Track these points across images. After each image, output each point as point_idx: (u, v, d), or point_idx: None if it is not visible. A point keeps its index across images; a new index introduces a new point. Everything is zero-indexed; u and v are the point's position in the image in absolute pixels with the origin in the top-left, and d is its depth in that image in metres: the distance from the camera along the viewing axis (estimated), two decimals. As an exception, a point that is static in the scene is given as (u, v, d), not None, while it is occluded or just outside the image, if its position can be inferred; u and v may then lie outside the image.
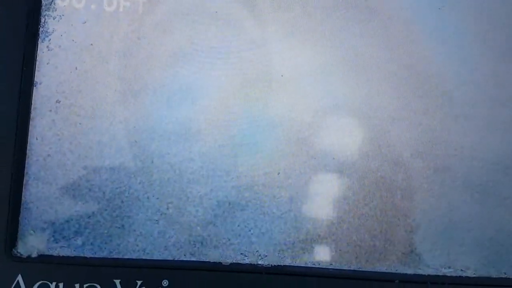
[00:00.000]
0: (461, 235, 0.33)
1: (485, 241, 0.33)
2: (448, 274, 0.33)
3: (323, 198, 0.32)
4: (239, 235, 0.32)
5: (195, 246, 0.31)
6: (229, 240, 0.31)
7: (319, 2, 0.32)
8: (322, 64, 0.32)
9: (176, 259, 0.30)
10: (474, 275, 0.33)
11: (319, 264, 0.32)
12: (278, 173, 0.32)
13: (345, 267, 0.32)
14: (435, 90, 0.33)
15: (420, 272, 0.33)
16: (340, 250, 0.32)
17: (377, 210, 0.33)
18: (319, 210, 0.32)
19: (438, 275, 0.33)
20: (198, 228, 0.31)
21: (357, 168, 0.32)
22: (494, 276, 0.33)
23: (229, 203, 0.31)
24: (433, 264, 0.33)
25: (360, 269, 0.32)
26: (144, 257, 0.30)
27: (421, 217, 0.33)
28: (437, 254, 0.33)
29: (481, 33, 0.33)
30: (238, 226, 0.31)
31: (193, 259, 0.31)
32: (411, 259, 0.33)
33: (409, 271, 0.33)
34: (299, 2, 0.32)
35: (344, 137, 0.32)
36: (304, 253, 0.32)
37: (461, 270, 0.33)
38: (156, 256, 0.30)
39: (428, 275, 0.33)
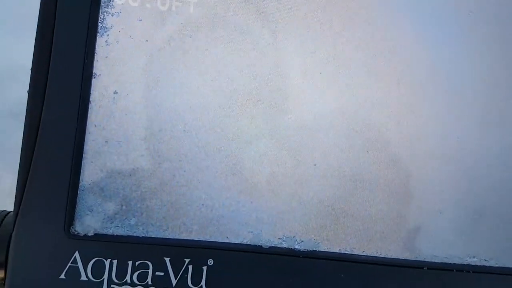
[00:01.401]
0: (486, 226, 0.35)
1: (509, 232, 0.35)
2: (473, 263, 0.35)
3: (356, 187, 0.34)
4: (277, 222, 0.34)
5: (238, 229, 0.33)
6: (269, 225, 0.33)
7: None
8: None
9: (220, 240, 0.33)
10: (497, 265, 0.35)
11: (351, 250, 0.34)
12: (315, 164, 0.34)
13: (376, 254, 0.34)
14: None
15: (447, 260, 0.35)
16: (370, 238, 0.34)
17: (404, 200, 0.35)
18: (351, 201, 0.35)
19: (463, 264, 0.35)
20: (242, 213, 0.33)
21: (392, 159, 0.34)
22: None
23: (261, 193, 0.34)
24: (459, 253, 0.35)
25: (390, 257, 0.34)
26: (191, 238, 0.32)
27: (447, 207, 0.35)
28: (462, 244, 0.35)
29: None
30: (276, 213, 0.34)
31: (236, 241, 0.33)
32: (438, 248, 0.35)
33: (436, 259, 0.35)
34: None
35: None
36: (337, 240, 0.34)
37: (485, 260, 0.35)
38: (202, 237, 0.33)
39: (454, 263, 0.35)
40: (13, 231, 0.31)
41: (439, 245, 0.35)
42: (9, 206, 0.34)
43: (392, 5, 0.35)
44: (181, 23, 0.33)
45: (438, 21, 0.35)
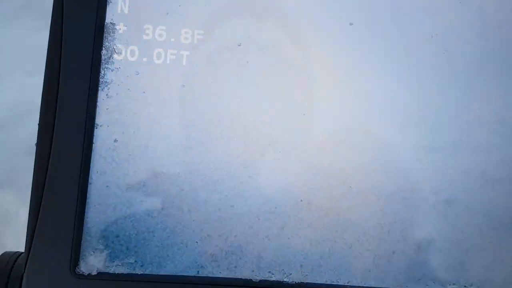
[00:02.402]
0: (465, 252, 0.37)
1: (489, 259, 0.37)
2: (452, 290, 0.37)
3: (342, 220, 0.37)
4: (267, 256, 0.36)
5: (231, 264, 0.36)
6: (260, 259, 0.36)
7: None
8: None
9: (214, 276, 0.35)
10: (477, 291, 0.37)
11: (337, 281, 0.37)
12: (301, 200, 0.37)
13: (360, 284, 0.37)
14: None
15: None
16: (355, 268, 0.37)
17: (387, 231, 0.37)
18: (337, 233, 0.37)
19: (444, 291, 0.37)
20: (235, 248, 0.36)
21: (377, 193, 0.37)
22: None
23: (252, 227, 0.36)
24: (439, 281, 0.37)
25: (373, 286, 0.37)
26: (187, 274, 0.35)
27: (426, 236, 0.37)
28: (442, 271, 0.37)
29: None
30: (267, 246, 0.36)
31: (229, 276, 0.35)
32: (419, 276, 0.37)
33: (418, 287, 0.37)
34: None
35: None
36: (324, 271, 0.37)
37: (465, 286, 0.37)
38: (198, 273, 0.35)
39: None
40: (24, 271, 0.34)
41: (421, 273, 0.37)
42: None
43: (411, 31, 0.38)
44: (175, 75, 0.36)
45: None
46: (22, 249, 0.36)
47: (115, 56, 0.36)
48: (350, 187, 0.37)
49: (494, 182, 0.38)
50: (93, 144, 0.35)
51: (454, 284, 0.37)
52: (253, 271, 0.36)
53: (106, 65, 0.36)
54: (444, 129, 0.38)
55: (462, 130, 0.38)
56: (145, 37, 0.36)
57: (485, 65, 0.38)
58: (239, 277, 0.36)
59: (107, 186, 0.35)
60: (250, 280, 0.36)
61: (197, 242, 0.36)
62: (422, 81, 0.38)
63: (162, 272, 0.35)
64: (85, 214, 0.35)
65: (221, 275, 0.36)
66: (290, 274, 0.36)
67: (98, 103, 0.35)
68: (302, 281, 0.36)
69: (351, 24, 0.38)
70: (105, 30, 0.36)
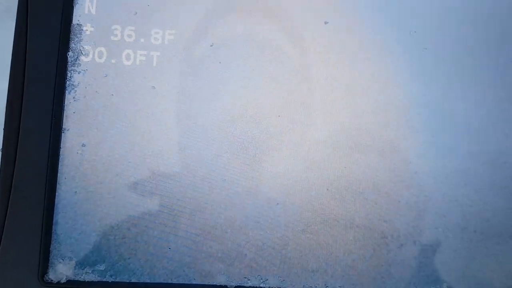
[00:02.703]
0: (449, 256, 0.36)
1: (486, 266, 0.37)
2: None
3: (321, 224, 0.36)
4: (242, 262, 0.35)
5: (204, 271, 0.35)
6: (235, 264, 0.35)
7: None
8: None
9: (186, 282, 0.34)
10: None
11: (315, 286, 0.36)
12: (277, 204, 0.36)
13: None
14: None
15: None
16: (332, 273, 0.36)
17: (367, 235, 0.36)
18: (316, 239, 0.36)
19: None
20: (208, 254, 0.35)
21: (359, 195, 0.36)
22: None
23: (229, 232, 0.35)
24: (422, 285, 0.36)
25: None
26: (159, 281, 0.34)
27: (408, 241, 0.36)
28: (425, 276, 0.37)
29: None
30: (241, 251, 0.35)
31: (203, 282, 0.35)
32: (400, 281, 0.36)
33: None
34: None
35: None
36: (301, 276, 0.36)
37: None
38: (170, 280, 0.34)
39: None
40: (-9, 280, 0.33)
41: (401, 277, 0.36)
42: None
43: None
44: (144, 76, 0.35)
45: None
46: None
47: (82, 58, 0.35)
48: (327, 189, 0.36)
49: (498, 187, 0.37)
50: (60, 149, 0.34)
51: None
52: (228, 277, 0.35)
53: (73, 67, 0.35)
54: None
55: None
56: (113, 38, 0.35)
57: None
58: (214, 283, 0.35)
59: (75, 192, 0.34)
60: (225, 286, 0.35)
61: (169, 248, 0.35)
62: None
63: (133, 279, 0.34)
64: (53, 221, 0.34)
65: (194, 282, 0.35)
66: (267, 279, 0.35)
67: (64, 107, 0.34)
68: (278, 286, 0.35)
69: (325, 23, 0.37)
70: (71, 31, 0.35)
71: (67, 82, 0.35)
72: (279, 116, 0.36)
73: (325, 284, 0.36)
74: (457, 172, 0.36)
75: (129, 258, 0.34)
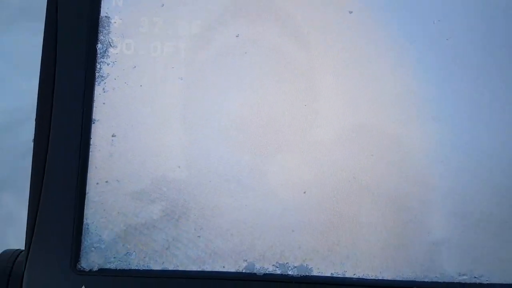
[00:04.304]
0: (477, 243, 0.36)
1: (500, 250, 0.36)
2: (463, 281, 0.36)
3: (347, 212, 0.36)
4: (271, 250, 0.36)
5: (233, 259, 0.35)
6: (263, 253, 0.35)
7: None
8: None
9: (216, 270, 0.35)
10: (487, 282, 0.36)
11: (343, 274, 0.36)
12: (304, 192, 0.36)
13: (367, 276, 0.36)
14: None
15: (437, 279, 0.36)
16: (361, 260, 0.36)
17: (398, 221, 0.36)
18: (342, 225, 0.36)
19: (454, 282, 0.36)
20: (237, 242, 0.35)
21: (379, 183, 0.36)
22: (505, 283, 0.36)
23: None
24: (449, 272, 0.36)
25: (381, 278, 0.36)
26: (189, 269, 0.34)
27: (438, 226, 0.36)
28: (453, 262, 0.36)
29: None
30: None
31: (232, 270, 0.35)
32: (429, 267, 0.36)
33: (427, 279, 0.36)
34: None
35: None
36: (329, 264, 0.36)
37: (475, 277, 0.36)
38: (200, 267, 0.35)
39: (444, 282, 0.36)
40: (24, 269, 0.34)
41: (430, 264, 0.36)
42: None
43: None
44: (172, 67, 0.36)
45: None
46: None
47: (110, 49, 0.35)
48: (354, 177, 0.36)
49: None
50: (91, 140, 0.35)
51: (464, 275, 0.36)
52: (257, 265, 0.35)
53: (102, 59, 0.35)
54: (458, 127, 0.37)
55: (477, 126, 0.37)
56: (141, 29, 0.36)
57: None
58: (243, 271, 0.35)
59: (106, 181, 0.35)
60: (254, 274, 0.35)
61: (199, 237, 0.35)
62: (431, 77, 0.37)
63: (164, 267, 0.34)
64: (85, 210, 0.34)
65: (224, 270, 0.35)
66: (295, 267, 0.35)
67: (94, 98, 0.35)
68: (307, 274, 0.35)
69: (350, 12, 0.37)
70: (100, 24, 0.35)
71: (97, 74, 0.35)
72: (305, 105, 0.36)
73: (354, 273, 0.36)
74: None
75: (160, 247, 0.35)
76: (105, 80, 0.35)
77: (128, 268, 0.34)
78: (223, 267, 0.35)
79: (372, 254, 0.36)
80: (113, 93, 0.35)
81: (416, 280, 0.36)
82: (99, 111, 0.35)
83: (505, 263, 0.36)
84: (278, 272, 0.35)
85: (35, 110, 0.35)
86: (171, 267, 0.34)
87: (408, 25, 0.37)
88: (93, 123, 0.35)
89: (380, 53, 0.37)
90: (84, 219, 0.34)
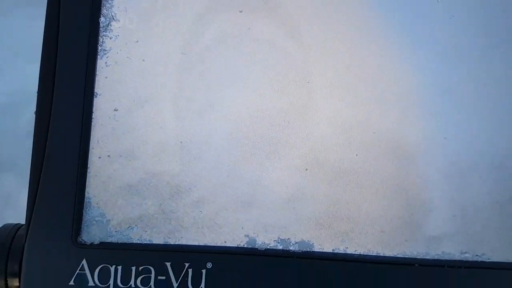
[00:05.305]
0: (478, 221, 0.36)
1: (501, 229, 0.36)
2: (465, 259, 0.36)
3: (349, 188, 0.36)
4: (272, 226, 0.35)
5: (235, 234, 0.35)
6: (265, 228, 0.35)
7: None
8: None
9: (218, 245, 0.35)
10: (489, 260, 0.36)
11: (344, 250, 0.36)
12: (306, 169, 0.36)
13: (368, 252, 0.36)
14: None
15: (438, 257, 0.36)
16: (362, 237, 0.36)
17: (399, 197, 0.36)
18: (344, 202, 0.36)
19: (455, 260, 0.36)
20: (239, 218, 0.35)
21: (384, 160, 0.36)
22: (506, 261, 0.36)
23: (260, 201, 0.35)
24: (451, 250, 0.36)
25: (382, 255, 0.36)
26: (190, 243, 0.34)
27: (440, 204, 0.36)
28: (455, 240, 0.36)
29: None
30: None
31: (233, 245, 0.35)
32: (430, 245, 0.36)
33: (428, 256, 0.36)
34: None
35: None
36: (330, 240, 0.36)
37: (477, 255, 0.36)
38: (201, 242, 0.35)
39: (446, 259, 0.36)
40: (25, 242, 0.33)
41: (432, 242, 0.36)
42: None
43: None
44: (176, 42, 0.36)
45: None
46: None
47: (113, 23, 0.35)
48: (357, 155, 0.36)
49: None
50: (93, 113, 0.35)
51: (466, 253, 0.36)
52: (258, 240, 0.35)
53: (105, 33, 0.35)
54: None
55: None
56: (144, 4, 0.36)
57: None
58: (244, 246, 0.35)
59: (108, 155, 0.35)
60: (256, 249, 0.35)
61: (200, 212, 0.35)
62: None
63: (165, 241, 0.34)
64: (86, 183, 0.34)
65: (225, 244, 0.35)
66: (296, 243, 0.35)
67: (97, 72, 0.35)
68: (308, 250, 0.35)
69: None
70: (103, -3, 0.35)
71: (99, 48, 0.35)
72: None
73: (355, 249, 0.36)
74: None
75: (161, 221, 0.34)
76: (107, 54, 0.35)
77: (129, 242, 0.34)
78: (225, 242, 0.35)
79: (374, 231, 0.36)
80: (115, 67, 0.35)
81: (418, 257, 0.36)
82: (101, 85, 0.35)
83: (506, 242, 0.36)
84: (280, 247, 0.35)
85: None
86: (172, 241, 0.34)
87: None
88: (95, 97, 0.35)
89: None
90: (86, 193, 0.34)
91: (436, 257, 0.36)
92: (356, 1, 0.37)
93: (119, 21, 0.35)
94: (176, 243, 0.34)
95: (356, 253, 0.35)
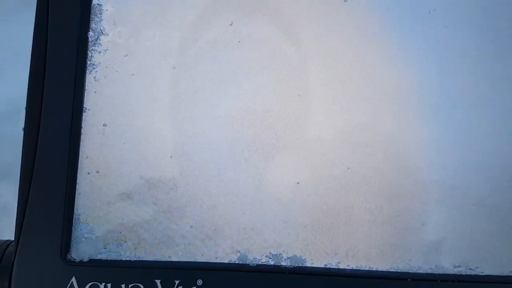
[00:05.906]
0: (470, 236, 0.36)
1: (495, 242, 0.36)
2: (458, 273, 0.36)
3: (339, 204, 0.36)
4: (264, 241, 0.35)
5: (226, 249, 0.34)
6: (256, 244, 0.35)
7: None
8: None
9: (208, 261, 0.34)
10: (483, 273, 0.36)
11: (336, 265, 0.35)
12: (298, 183, 0.36)
13: (360, 267, 0.35)
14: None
15: (431, 271, 0.36)
16: (354, 252, 0.36)
17: (387, 214, 0.36)
18: (335, 217, 0.36)
19: (448, 274, 0.36)
20: (229, 233, 0.35)
21: (366, 172, 0.36)
22: (500, 275, 0.36)
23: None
24: (444, 264, 0.36)
25: (375, 269, 0.35)
26: (180, 260, 0.34)
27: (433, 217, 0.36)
28: (447, 254, 0.36)
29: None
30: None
31: (224, 261, 0.34)
32: (423, 259, 0.36)
33: (421, 270, 0.36)
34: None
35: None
36: (323, 255, 0.35)
37: (470, 269, 0.36)
38: (191, 258, 0.34)
39: (439, 274, 0.35)
40: (14, 259, 0.33)
41: (424, 256, 0.36)
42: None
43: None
44: (165, 56, 0.35)
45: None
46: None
47: (102, 37, 0.35)
48: (348, 168, 0.36)
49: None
50: (81, 129, 0.34)
51: (459, 266, 0.36)
52: (250, 256, 0.35)
53: (94, 47, 0.35)
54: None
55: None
56: (133, 18, 0.35)
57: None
58: (236, 262, 0.35)
59: (97, 171, 0.34)
60: (247, 265, 0.35)
61: (191, 227, 0.35)
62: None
63: (156, 258, 0.34)
64: (75, 200, 0.34)
65: (216, 260, 0.35)
66: (288, 258, 0.35)
67: (86, 87, 0.34)
68: (300, 265, 0.35)
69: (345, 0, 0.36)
70: (91, 11, 0.35)
71: (88, 62, 0.35)
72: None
73: (347, 264, 0.35)
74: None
75: (151, 237, 0.34)
76: (96, 69, 0.35)
77: (119, 259, 0.34)
78: (216, 258, 0.35)
79: (366, 245, 0.36)
80: (104, 81, 0.35)
81: (410, 271, 0.35)
82: (90, 99, 0.35)
83: (500, 255, 0.36)
84: (271, 263, 0.35)
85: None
86: (163, 258, 0.34)
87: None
88: (84, 112, 0.34)
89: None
90: (75, 209, 0.34)
91: (429, 271, 0.36)
92: (354, 2, 0.36)
93: (108, 35, 0.35)
94: (166, 259, 0.34)
95: (348, 268, 0.35)
